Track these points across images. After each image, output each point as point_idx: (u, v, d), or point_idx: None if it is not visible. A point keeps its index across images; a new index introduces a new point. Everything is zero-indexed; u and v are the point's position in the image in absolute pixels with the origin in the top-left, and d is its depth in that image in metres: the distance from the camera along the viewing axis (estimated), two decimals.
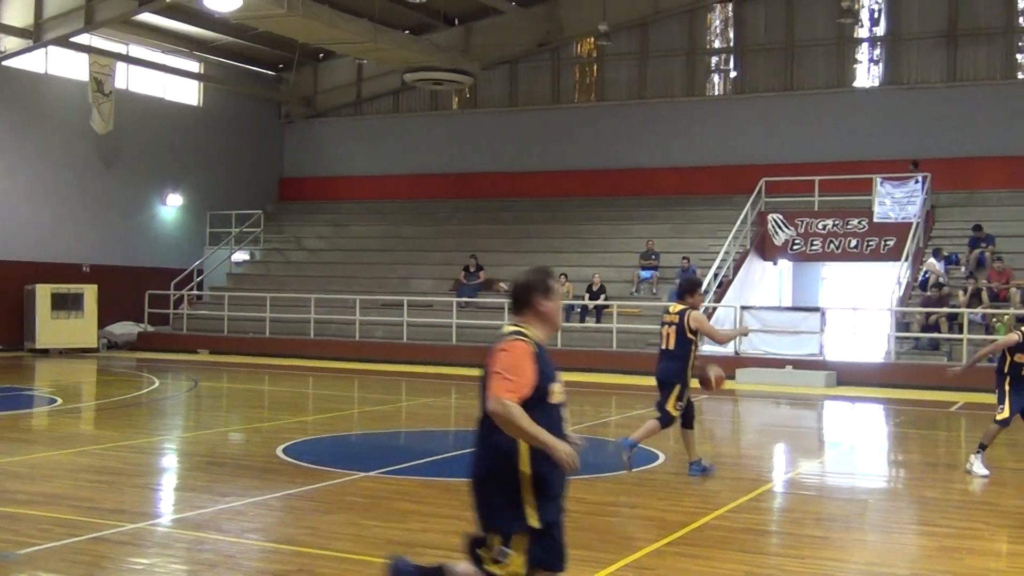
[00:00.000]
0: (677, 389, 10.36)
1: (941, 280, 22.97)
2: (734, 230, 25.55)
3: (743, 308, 23.51)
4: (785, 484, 11.02)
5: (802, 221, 26.18)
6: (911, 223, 24.68)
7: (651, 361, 21.18)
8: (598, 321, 24.97)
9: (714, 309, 23.93)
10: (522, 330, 4.87)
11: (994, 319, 21.51)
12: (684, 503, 9.39)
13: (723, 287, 24.87)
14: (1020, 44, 28.07)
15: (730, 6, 30.64)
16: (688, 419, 10.56)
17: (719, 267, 24.75)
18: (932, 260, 23.56)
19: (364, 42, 28.09)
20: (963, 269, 23.87)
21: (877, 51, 29.37)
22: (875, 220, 25.42)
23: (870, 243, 25.41)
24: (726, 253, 25.22)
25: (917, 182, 25.38)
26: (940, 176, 26.16)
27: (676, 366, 10.41)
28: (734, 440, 15.24)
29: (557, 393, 4.87)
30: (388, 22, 28.81)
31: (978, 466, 10.78)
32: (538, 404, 4.73)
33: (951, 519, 9.07)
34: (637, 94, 31.33)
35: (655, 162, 30.40)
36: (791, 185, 27.09)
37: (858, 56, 29.59)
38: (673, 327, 10.46)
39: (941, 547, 8.10)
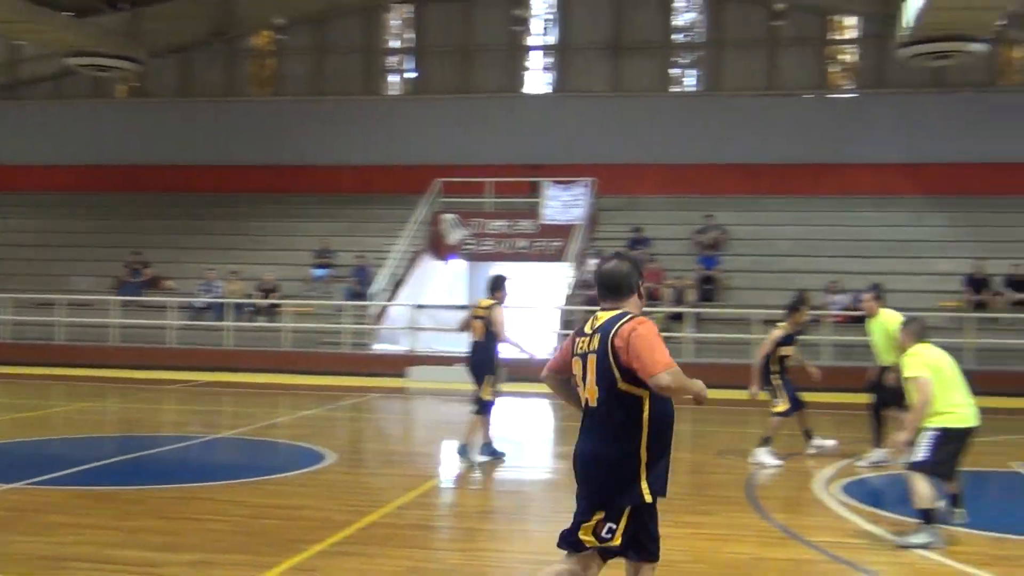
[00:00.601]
0: (489, 378, 11.28)
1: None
2: (409, 229, 25.78)
3: (417, 307, 23.75)
4: (454, 480, 11.16)
5: (475, 222, 26.81)
6: (576, 225, 25.85)
7: (325, 361, 20.93)
8: (270, 320, 24.43)
9: (387, 308, 24.08)
10: (630, 312, 5.00)
11: (650, 316, 22.91)
12: (351, 502, 9.29)
13: (397, 286, 25.03)
14: (674, 59, 30.08)
15: (408, 7, 30.90)
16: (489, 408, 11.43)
17: (394, 266, 24.88)
18: (594, 262, 24.75)
19: (21, 22, 26.08)
20: None
21: (548, 59, 30.56)
22: (543, 222, 26.43)
23: (538, 244, 26.38)
24: (401, 252, 25.41)
25: (584, 186, 26.60)
26: (604, 181, 27.56)
27: (486, 357, 11.37)
28: (405, 438, 15.34)
29: None
30: (49, 2, 26.87)
31: (763, 456, 11.60)
32: None
33: None
34: (315, 90, 31.00)
35: (332, 159, 30.13)
36: (465, 186, 27.68)
37: (530, 63, 30.68)
38: (481, 320, 11.36)
39: None
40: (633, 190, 28.60)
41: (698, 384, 4.96)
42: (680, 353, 22.09)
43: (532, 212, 26.76)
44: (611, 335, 4.92)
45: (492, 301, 11.46)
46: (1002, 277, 23.06)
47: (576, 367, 5.12)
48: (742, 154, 28.29)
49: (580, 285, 24.37)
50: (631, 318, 4.99)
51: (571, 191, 26.61)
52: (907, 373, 7.90)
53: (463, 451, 11.40)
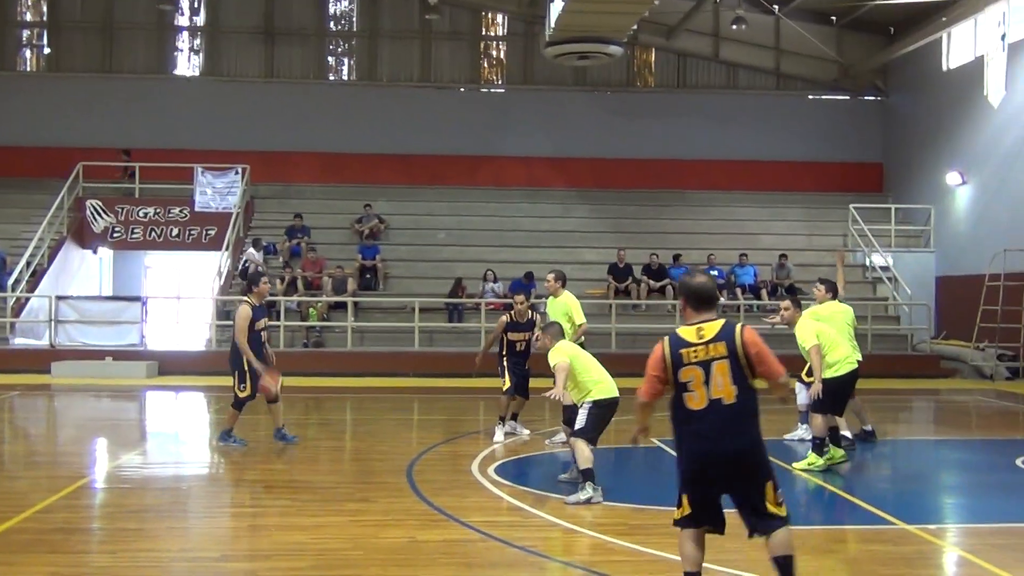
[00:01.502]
0: (236, 374, 11.50)
1: (260, 269, 23.73)
2: (49, 216, 24.16)
3: (59, 298, 22.30)
4: (103, 479, 10.59)
5: (122, 208, 25.54)
6: (231, 213, 25.21)
7: None
8: None
9: (28, 300, 22.49)
10: (731, 320, 5.79)
11: (309, 306, 22.77)
12: None
13: (37, 276, 23.41)
14: (331, 47, 29.97)
15: None
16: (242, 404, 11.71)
17: (32, 255, 23.24)
18: (251, 250, 24.25)
19: None
20: (280, 259, 24.91)
21: (197, 41, 29.55)
22: (196, 209, 25.58)
23: (192, 232, 25.52)
24: (40, 240, 23.77)
25: (237, 173, 25.95)
26: (259, 168, 27.04)
27: (234, 354, 11.56)
28: (49, 438, 14.36)
29: None
30: None
31: (498, 435, 12.32)
32: None
33: (263, 499, 9.37)
34: None
35: None
36: (112, 170, 26.29)
37: (179, 44, 29.55)
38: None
39: (251, 526, 8.35)
40: (290, 178, 28.27)
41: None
42: (345, 342, 22.13)
43: (184, 199, 25.81)
44: (737, 341, 5.68)
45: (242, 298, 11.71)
46: (641, 266, 24.74)
47: (691, 374, 5.68)
48: (399, 144, 28.66)
49: (237, 275, 23.80)
50: (743, 326, 5.80)
51: (225, 178, 25.89)
52: (552, 361, 9.51)
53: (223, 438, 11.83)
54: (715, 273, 24.73)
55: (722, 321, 5.76)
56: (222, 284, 23.58)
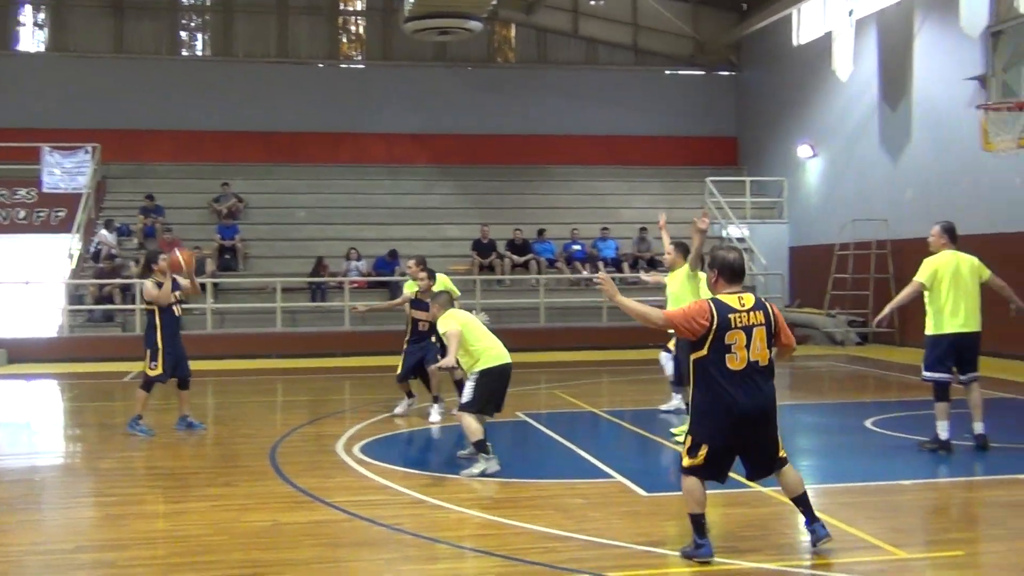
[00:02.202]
0: (149, 352, 11.25)
1: (113, 251, 23.04)
2: None
3: None
4: None
5: None
6: (81, 194, 24.33)
7: None
8: None
9: None
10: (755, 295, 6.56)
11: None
12: None
13: None
14: (183, 21, 29.14)
15: None
16: (184, 382, 11.68)
17: None
18: (104, 232, 23.49)
19: None
20: (134, 240, 24.19)
21: (42, 15, 28.37)
22: (44, 190, 24.58)
23: (40, 214, 24.56)
24: None
25: (87, 152, 25.03)
26: (110, 147, 26.12)
27: (147, 334, 11.39)
28: None
29: None
30: None
31: (434, 415, 12.33)
32: None
33: (119, 487, 9.09)
34: None
35: None
36: None
37: (21, 19, 28.31)
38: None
39: (107, 516, 8.13)
40: (143, 157, 27.47)
41: None
42: (205, 324, 21.65)
43: (31, 180, 24.76)
44: (769, 311, 6.41)
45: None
46: (505, 241, 24.84)
47: (736, 337, 6.28)
48: (257, 122, 28.10)
49: (90, 257, 23.03)
50: (766, 299, 6.67)
51: (74, 158, 24.93)
52: (441, 329, 9.46)
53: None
54: (577, 248, 25.04)
55: (750, 293, 6.50)
56: (73, 268, 22.78)
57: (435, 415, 12.37)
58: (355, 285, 22.71)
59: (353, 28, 30.18)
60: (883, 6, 22.91)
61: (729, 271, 6.46)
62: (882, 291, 21.82)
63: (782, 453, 6.56)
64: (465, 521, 7.77)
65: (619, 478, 8.95)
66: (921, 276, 9.83)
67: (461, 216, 26.76)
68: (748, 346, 6.29)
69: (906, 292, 9.97)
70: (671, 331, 6.68)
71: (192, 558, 6.78)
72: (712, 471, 6.43)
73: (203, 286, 22.00)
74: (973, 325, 9.80)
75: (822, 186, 26.09)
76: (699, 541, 6.39)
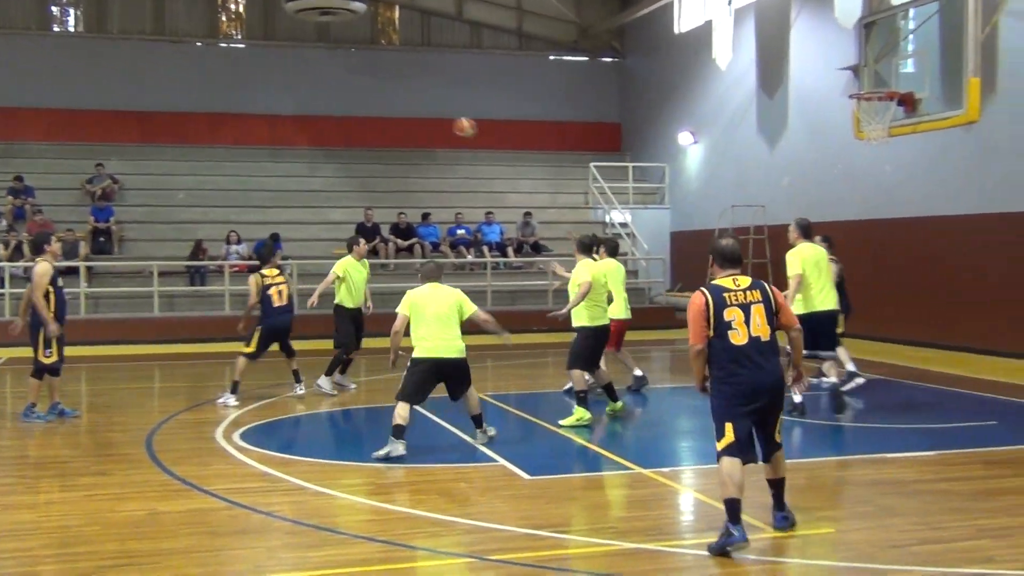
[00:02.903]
0: (40, 338, 10.97)
1: None
2: None
3: None
4: None
5: None
6: None
7: None
8: None
9: None
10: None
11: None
12: None
13: None
14: None
15: None
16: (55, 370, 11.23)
17: None
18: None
19: None
20: (3, 222, 23.33)
21: None
22: None
23: None
24: None
25: None
26: None
27: (35, 318, 11.00)
28: None
29: None
30: None
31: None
32: None
33: None
34: None
35: None
36: None
37: None
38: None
39: None
40: (11, 136, 26.48)
41: None
42: (79, 309, 20.96)
43: None
44: (768, 291, 6.70)
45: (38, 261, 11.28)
46: (389, 225, 24.67)
47: (733, 314, 6.56)
48: (133, 101, 27.31)
49: None
50: (768, 283, 6.87)
51: None
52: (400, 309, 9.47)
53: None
54: (462, 232, 25.02)
55: (746, 275, 6.80)
56: None
57: (300, 390, 12.92)
58: (235, 269, 22.30)
59: (233, 6, 29.51)
60: None
61: (721, 256, 6.82)
62: (760, 275, 22.12)
63: (780, 437, 6.78)
64: (347, 507, 7.71)
65: (503, 462, 8.99)
66: (796, 268, 11.31)
67: (344, 199, 26.48)
68: (748, 322, 6.58)
69: (793, 287, 11.30)
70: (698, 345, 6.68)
71: (63, 549, 6.59)
72: (744, 448, 6.56)
73: (75, 270, 21.42)
74: (832, 304, 11.44)
75: (702, 172, 26.55)
76: (731, 528, 6.33)
